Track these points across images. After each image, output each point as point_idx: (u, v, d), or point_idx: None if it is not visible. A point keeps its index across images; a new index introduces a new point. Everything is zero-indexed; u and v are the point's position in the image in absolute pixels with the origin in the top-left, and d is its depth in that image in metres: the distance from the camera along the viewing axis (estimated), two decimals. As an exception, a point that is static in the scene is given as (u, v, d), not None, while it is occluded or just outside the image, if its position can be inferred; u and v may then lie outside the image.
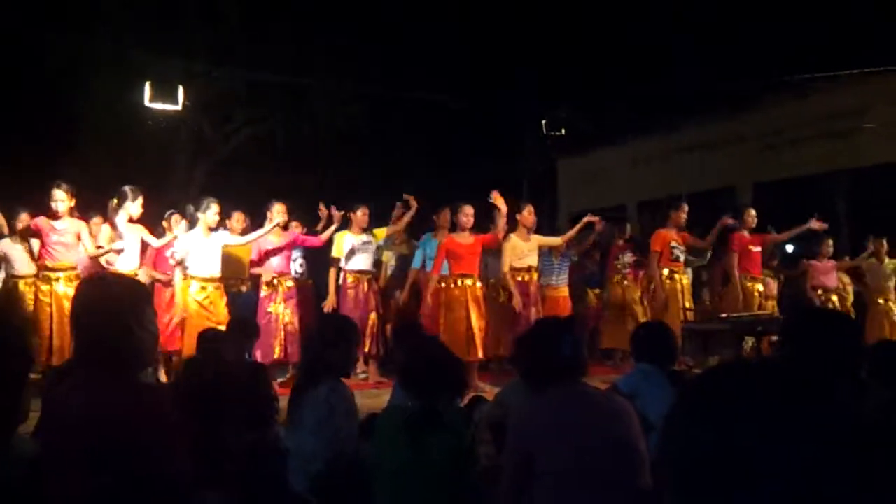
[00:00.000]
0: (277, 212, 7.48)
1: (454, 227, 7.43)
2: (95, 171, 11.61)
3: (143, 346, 1.90)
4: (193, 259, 6.96)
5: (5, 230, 6.87)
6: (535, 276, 7.75)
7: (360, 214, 7.83)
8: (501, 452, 3.87)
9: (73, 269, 6.89)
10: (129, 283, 2.22)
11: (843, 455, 0.78)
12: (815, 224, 8.17)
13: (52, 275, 6.81)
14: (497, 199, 7.21)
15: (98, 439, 1.70)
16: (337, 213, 7.64)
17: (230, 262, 7.32)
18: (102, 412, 1.74)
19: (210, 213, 6.92)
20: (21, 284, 6.95)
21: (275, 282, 7.47)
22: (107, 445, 1.70)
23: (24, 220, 6.93)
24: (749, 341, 6.44)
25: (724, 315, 6.94)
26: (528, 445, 2.56)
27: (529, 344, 2.94)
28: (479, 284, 7.43)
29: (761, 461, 0.78)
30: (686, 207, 8.05)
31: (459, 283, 7.29)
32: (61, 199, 6.74)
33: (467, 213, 7.36)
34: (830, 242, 8.99)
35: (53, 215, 6.79)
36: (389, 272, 8.64)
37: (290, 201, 7.85)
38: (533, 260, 7.78)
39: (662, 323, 4.95)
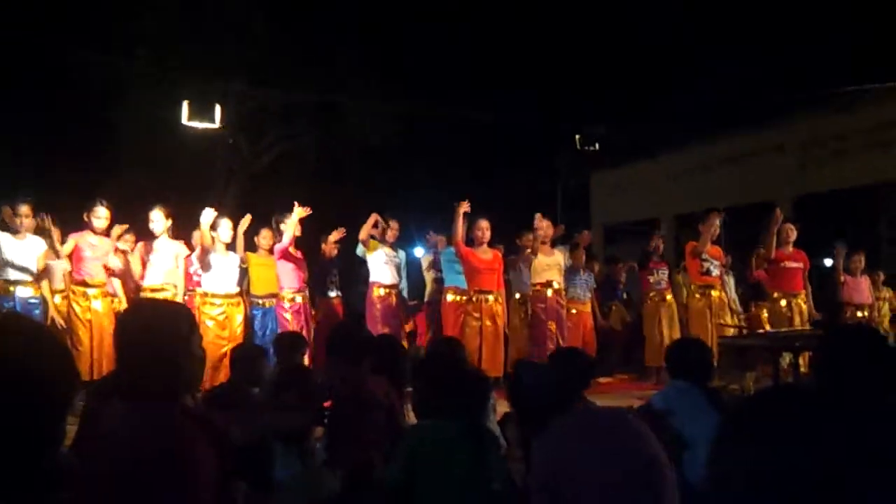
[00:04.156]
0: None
1: (472, 242, 7.35)
2: (133, 187, 11.79)
3: (187, 373, 1.91)
4: (210, 275, 7.02)
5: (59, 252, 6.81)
6: (554, 291, 7.70)
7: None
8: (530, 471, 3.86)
9: (104, 285, 6.90)
10: (175, 308, 2.20)
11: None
12: None
13: (89, 291, 6.80)
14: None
15: (139, 468, 1.73)
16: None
17: (264, 279, 7.39)
18: (145, 443, 1.76)
19: (222, 229, 7.05)
20: (58, 299, 6.87)
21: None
22: (147, 475, 1.72)
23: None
24: (787, 357, 6.32)
25: (761, 331, 6.83)
26: (553, 471, 2.53)
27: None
28: (499, 300, 7.35)
29: (814, 485, 0.78)
30: (715, 220, 7.86)
31: (475, 299, 7.23)
32: (105, 216, 6.80)
33: (482, 228, 7.29)
34: (862, 258, 8.75)
35: (90, 231, 6.82)
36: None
37: (323, 216, 7.87)
38: (552, 275, 7.74)
39: (698, 339, 4.89)
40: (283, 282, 7.35)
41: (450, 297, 7.38)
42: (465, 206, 7.07)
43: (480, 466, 2.86)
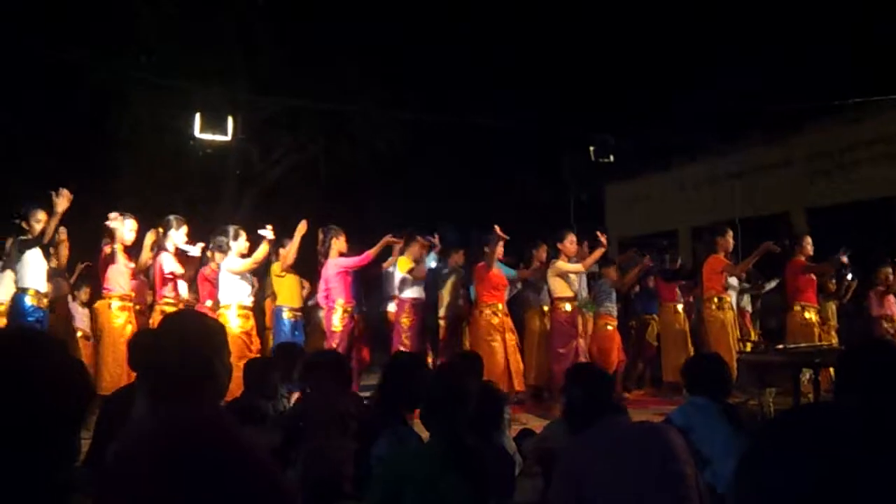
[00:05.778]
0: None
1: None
2: (142, 199, 11.79)
3: (222, 380, 1.96)
4: (232, 288, 6.92)
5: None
6: (574, 306, 7.69)
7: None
8: (549, 486, 3.80)
9: (129, 298, 6.84)
10: (209, 320, 2.27)
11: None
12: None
13: (114, 304, 6.73)
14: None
15: (181, 467, 1.71)
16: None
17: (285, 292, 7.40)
18: (188, 443, 1.76)
19: (240, 241, 6.96)
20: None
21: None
22: (189, 474, 1.71)
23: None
24: (807, 373, 6.25)
25: (780, 346, 6.76)
26: (579, 480, 2.49)
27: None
28: (507, 313, 7.58)
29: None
30: (731, 233, 7.93)
31: (498, 314, 7.41)
32: (133, 228, 6.78)
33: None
34: (889, 271, 8.71)
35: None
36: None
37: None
38: (577, 288, 7.75)
39: (716, 354, 4.83)
40: (335, 294, 7.23)
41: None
42: (503, 235, 7.35)
43: (465, 488, 2.76)
